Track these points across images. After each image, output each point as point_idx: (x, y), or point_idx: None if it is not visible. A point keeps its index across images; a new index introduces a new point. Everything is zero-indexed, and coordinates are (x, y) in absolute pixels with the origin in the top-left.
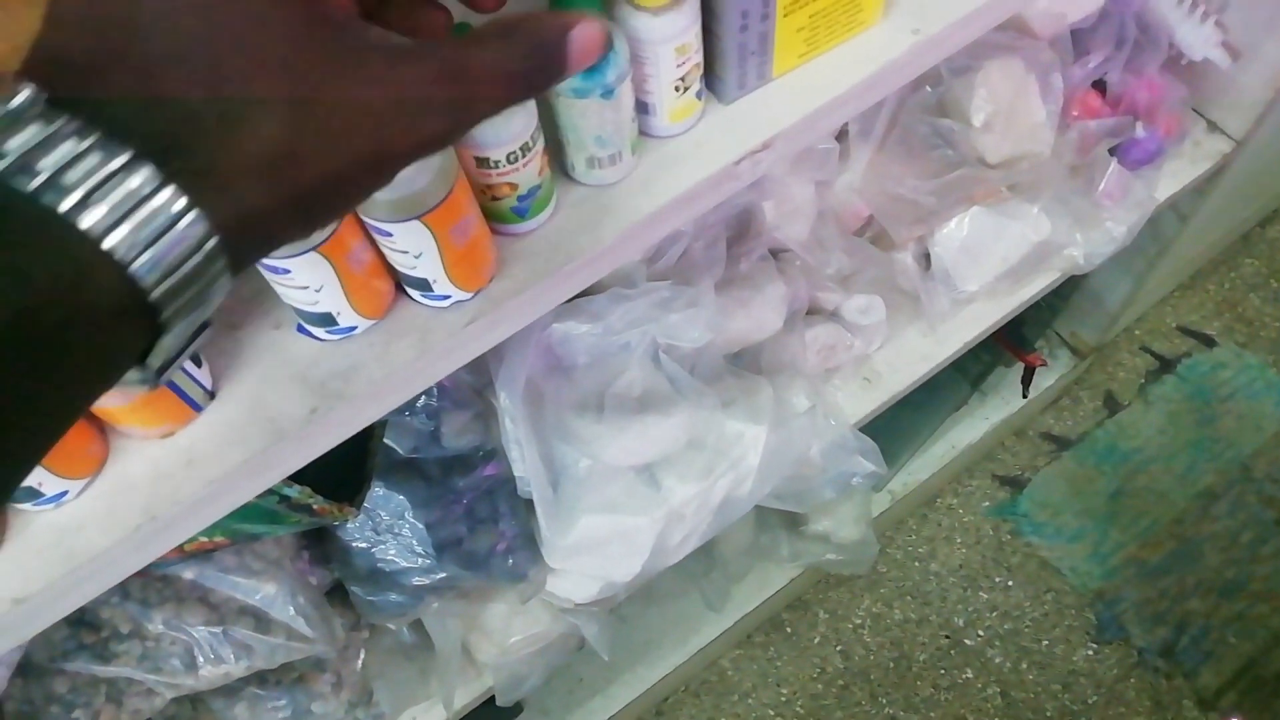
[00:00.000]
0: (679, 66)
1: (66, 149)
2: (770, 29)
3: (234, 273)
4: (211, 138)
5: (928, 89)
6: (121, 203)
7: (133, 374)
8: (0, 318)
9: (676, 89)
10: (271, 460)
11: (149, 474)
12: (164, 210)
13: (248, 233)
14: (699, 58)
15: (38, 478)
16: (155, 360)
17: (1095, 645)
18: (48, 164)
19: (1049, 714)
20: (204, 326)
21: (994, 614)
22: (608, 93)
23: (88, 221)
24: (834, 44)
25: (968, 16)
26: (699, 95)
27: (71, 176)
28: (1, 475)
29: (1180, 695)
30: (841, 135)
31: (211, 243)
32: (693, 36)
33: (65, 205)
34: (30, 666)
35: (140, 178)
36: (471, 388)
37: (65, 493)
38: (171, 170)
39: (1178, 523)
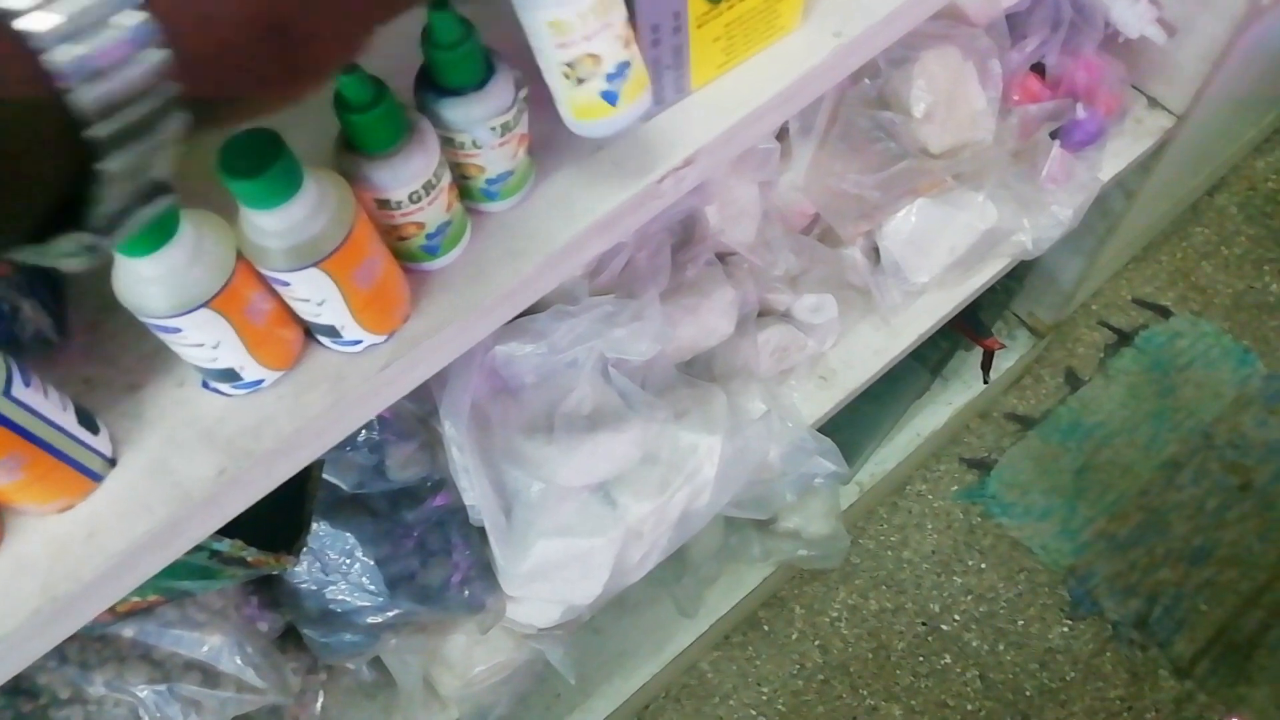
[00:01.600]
0: (560, 48)
1: None
2: (684, 41)
3: (199, 114)
4: None
5: (866, 81)
6: None
7: (72, 243)
8: None
9: (566, 75)
10: (180, 527)
11: (47, 552)
12: (103, 7)
13: (210, 56)
14: (598, 49)
15: None
16: (98, 210)
17: (1070, 622)
18: None
19: (1028, 693)
20: (161, 189)
21: (969, 598)
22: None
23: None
24: (754, 52)
25: (890, 16)
26: (610, 100)
27: None
28: None
29: (1156, 665)
30: (782, 134)
31: (160, 55)
32: (573, 16)
33: None
34: None
35: None
36: (415, 416)
37: None
38: None
39: (1144, 494)
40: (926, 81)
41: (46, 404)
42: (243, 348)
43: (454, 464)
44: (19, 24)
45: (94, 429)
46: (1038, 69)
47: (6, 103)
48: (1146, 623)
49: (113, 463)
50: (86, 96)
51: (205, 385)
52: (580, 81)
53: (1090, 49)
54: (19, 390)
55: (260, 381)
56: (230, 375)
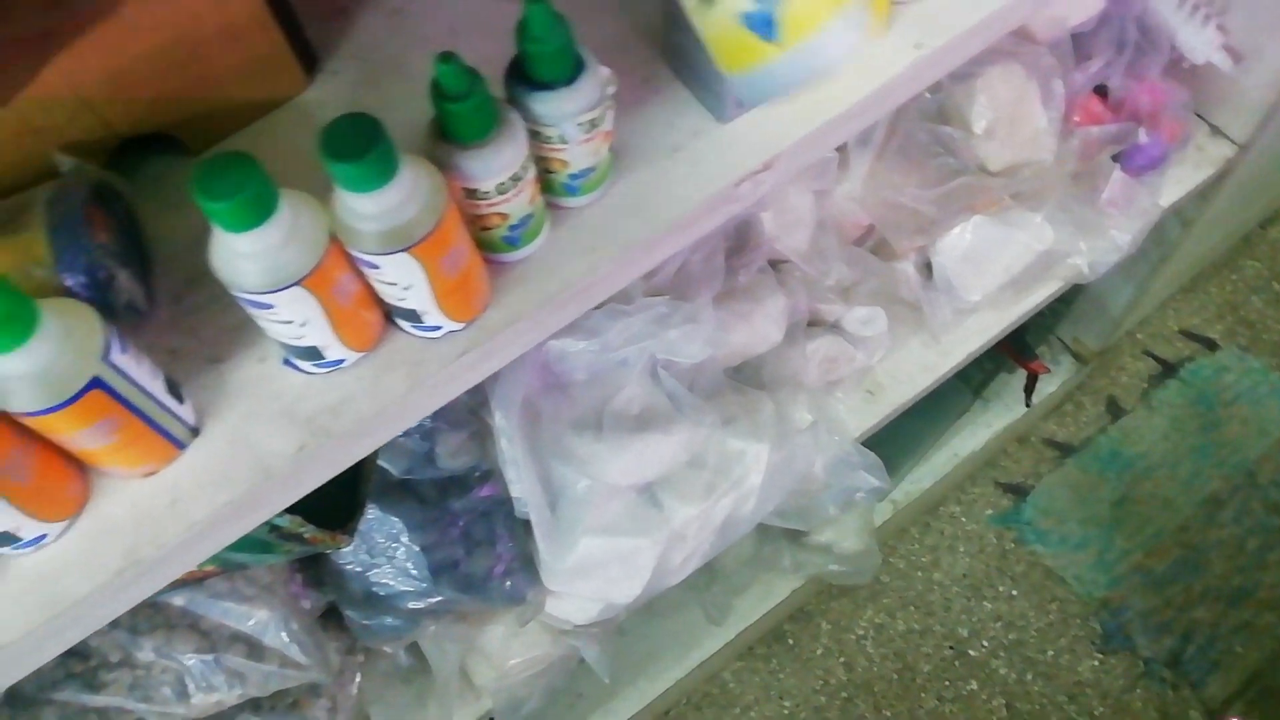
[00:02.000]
0: None
1: None
2: None
3: None
4: None
5: (927, 95)
6: None
7: None
8: None
9: None
10: (258, 500)
11: (131, 515)
12: None
13: None
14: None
15: (14, 521)
16: None
17: (1101, 655)
18: None
19: None
20: None
21: (998, 624)
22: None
23: None
24: None
25: (971, 30)
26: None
27: None
28: None
29: (1187, 706)
30: (840, 144)
31: None
32: None
33: None
34: (18, 696)
35: None
36: (467, 407)
37: (44, 536)
38: None
39: (1183, 530)
40: (989, 98)
41: (140, 371)
42: (329, 327)
43: (503, 455)
44: None
45: (180, 398)
46: (1100, 91)
47: None
48: (1180, 661)
49: (196, 432)
50: None
51: (286, 363)
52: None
53: (1155, 73)
54: (117, 356)
55: (341, 361)
56: (313, 353)
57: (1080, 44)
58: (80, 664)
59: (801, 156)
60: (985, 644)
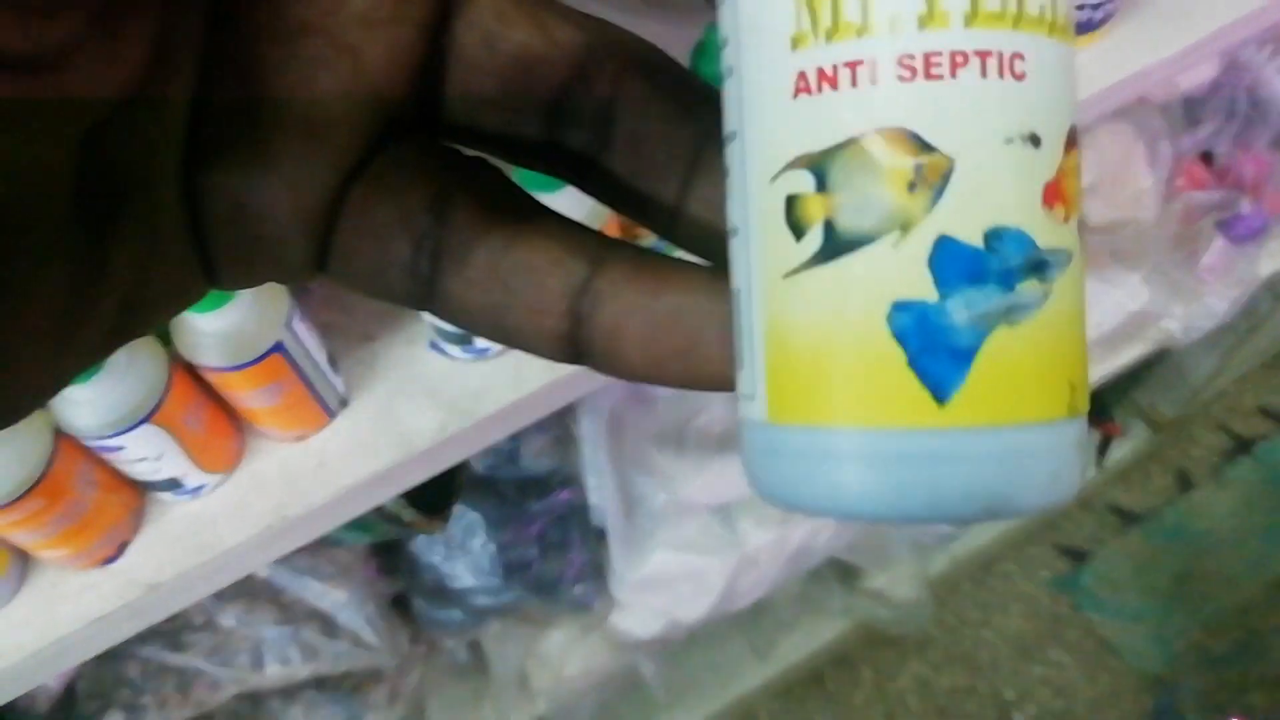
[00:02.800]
0: None
1: None
2: None
3: None
4: None
5: None
6: None
7: None
8: None
9: None
10: (398, 473)
11: (281, 475)
12: None
13: None
14: None
15: (182, 468)
16: None
17: None
18: None
19: None
20: None
21: (1047, 690)
22: None
23: None
24: None
25: (1112, 87)
26: None
27: None
28: None
29: None
30: None
31: None
32: None
33: None
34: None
35: None
36: (554, 411)
37: (204, 485)
38: None
39: (1245, 612)
40: (1096, 154)
41: (311, 340)
42: None
43: (584, 461)
44: None
45: (336, 370)
46: (1206, 157)
47: None
48: None
49: (345, 403)
50: None
51: (432, 346)
52: None
53: (1262, 144)
54: (297, 324)
55: (487, 350)
56: (463, 339)
57: (1190, 109)
58: (166, 623)
59: None
60: (1031, 709)
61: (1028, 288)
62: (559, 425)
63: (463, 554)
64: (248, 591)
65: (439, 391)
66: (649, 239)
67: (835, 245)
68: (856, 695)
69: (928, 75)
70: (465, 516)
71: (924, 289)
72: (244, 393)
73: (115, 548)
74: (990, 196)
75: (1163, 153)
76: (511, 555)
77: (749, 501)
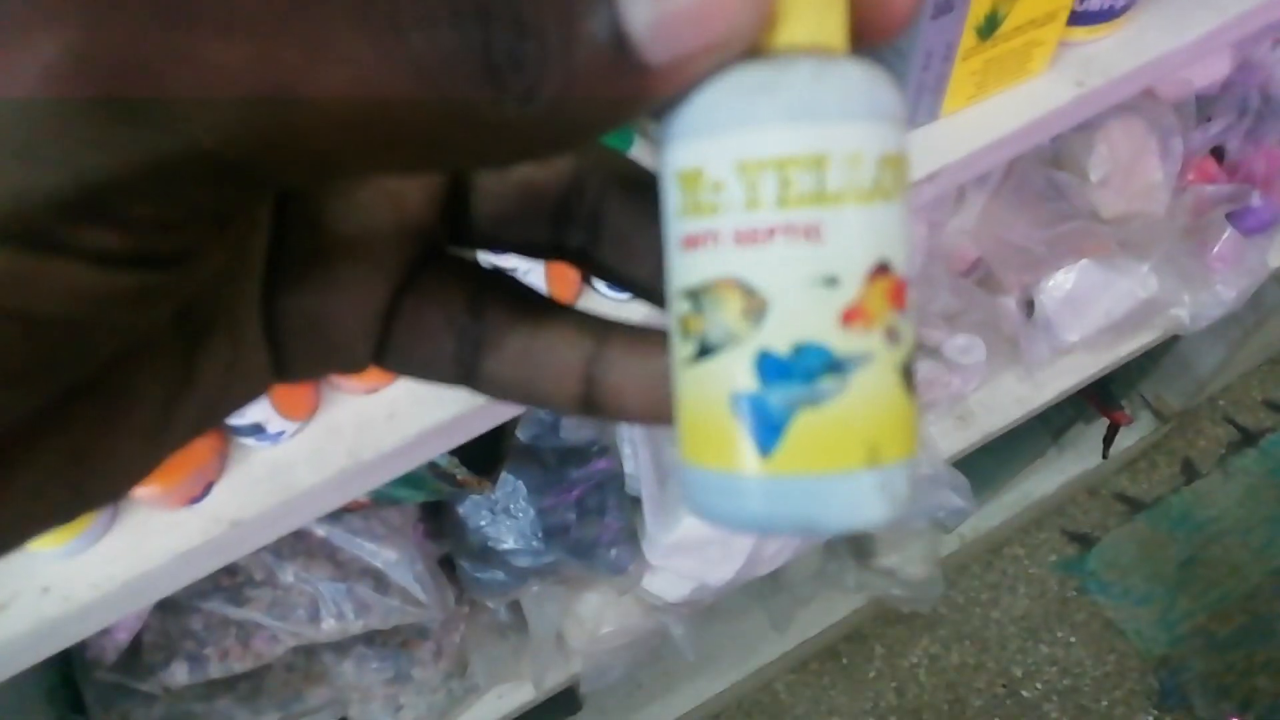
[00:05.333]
0: None
1: None
2: (948, 70)
3: None
4: None
5: (1046, 141)
6: None
7: None
8: None
9: None
10: (462, 423)
11: (354, 423)
12: None
13: None
14: None
15: (266, 415)
16: None
17: (1156, 711)
18: None
19: None
20: None
21: (1053, 668)
22: None
23: None
24: (1001, 89)
25: (1131, 73)
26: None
27: None
28: None
29: None
30: (980, 174)
31: None
32: None
33: None
34: (169, 602)
35: None
36: None
37: (284, 432)
38: None
39: (1250, 598)
40: (1108, 148)
41: None
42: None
43: (621, 432)
44: None
45: None
46: (1216, 154)
47: None
48: None
49: None
50: None
51: None
52: None
53: (1273, 140)
54: None
55: None
56: None
57: (1203, 106)
58: (229, 579)
59: (962, 173)
60: (1039, 686)
61: (825, 383)
62: None
63: (506, 517)
64: (305, 550)
65: None
66: None
67: (703, 350)
68: (869, 670)
69: (750, 242)
70: (509, 483)
71: (750, 383)
72: None
73: (202, 488)
74: (796, 321)
75: (1174, 148)
76: (551, 519)
77: None
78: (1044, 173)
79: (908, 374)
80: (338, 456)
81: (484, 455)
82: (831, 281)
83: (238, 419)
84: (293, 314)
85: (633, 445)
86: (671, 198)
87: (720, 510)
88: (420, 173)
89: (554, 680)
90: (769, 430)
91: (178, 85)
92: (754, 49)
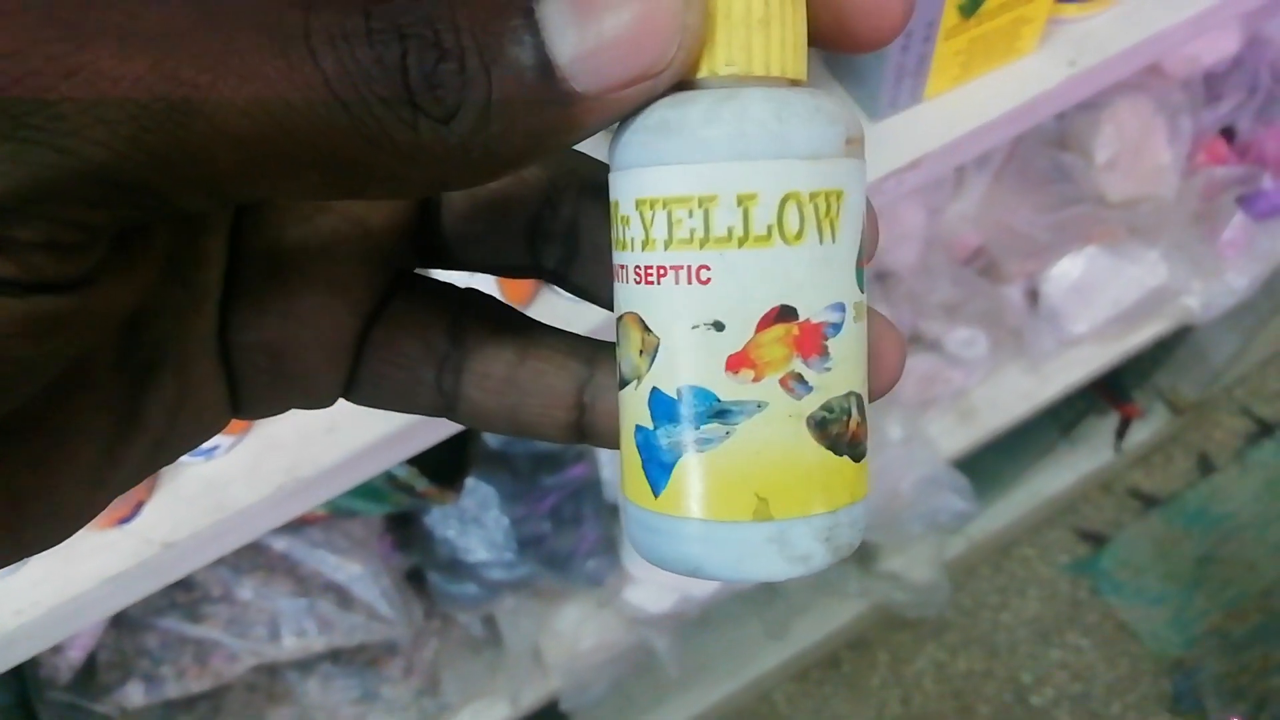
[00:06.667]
0: None
1: None
2: (930, 50)
3: None
4: None
5: (1051, 121)
6: None
7: None
8: None
9: None
10: (409, 435)
11: (293, 437)
12: None
13: None
14: None
15: None
16: None
17: (1169, 716)
18: None
19: None
20: None
21: (1064, 673)
22: None
23: None
24: (988, 70)
25: (1125, 52)
26: None
27: None
28: None
29: None
30: (970, 158)
31: None
32: None
33: None
34: (124, 619)
35: None
36: None
37: (218, 447)
38: None
39: (1266, 595)
40: (1114, 129)
41: None
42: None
43: None
44: None
45: None
46: (1227, 133)
47: None
48: None
49: None
50: None
51: None
52: None
53: None
54: None
55: None
56: None
57: (1212, 85)
58: (185, 595)
59: (948, 159)
60: (1049, 692)
61: (710, 428)
62: None
63: (477, 528)
64: (265, 564)
65: None
66: None
67: (621, 383)
68: (873, 678)
69: (645, 281)
70: (479, 491)
71: (646, 420)
72: None
73: (131, 507)
74: (681, 364)
75: (1183, 128)
76: (525, 529)
77: None
78: (1048, 154)
79: (823, 425)
80: (275, 473)
81: (447, 464)
82: (718, 326)
83: None
84: (252, 348)
85: (611, 450)
86: (609, 226)
87: (636, 542)
88: (333, 198)
89: (531, 698)
90: (659, 469)
91: (68, 93)
92: (687, 79)
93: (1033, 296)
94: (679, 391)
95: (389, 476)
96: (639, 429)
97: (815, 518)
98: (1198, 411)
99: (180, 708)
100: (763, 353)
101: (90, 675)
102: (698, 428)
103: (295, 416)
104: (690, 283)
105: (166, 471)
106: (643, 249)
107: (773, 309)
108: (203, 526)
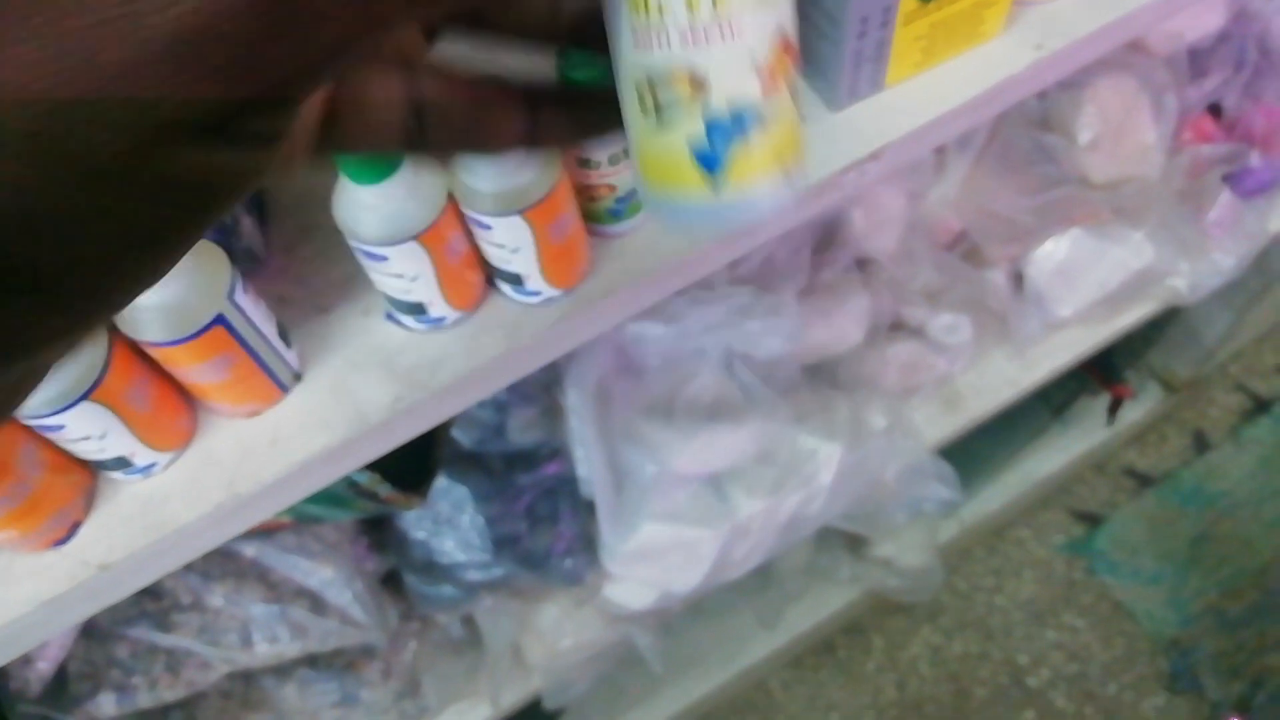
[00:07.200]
0: None
1: None
2: (889, 36)
3: None
4: None
5: (1033, 101)
6: None
7: None
8: None
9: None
10: (353, 447)
11: (233, 451)
12: None
13: None
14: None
15: (130, 447)
16: None
17: (1166, 695)
18: None
19: None
20: None
21: (1060, 654)
22: None
23: None
24: (951, 55)
25: (1094, 34)
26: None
27: None
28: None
29: None
30: (943, 143)
31: None
32: None
33: None
34: (94, 629)
35: None
36: (540, 383)
37: (154, 464)
38: None
39: (1262, 573)
40: (1097, 109)
41: (257, 313)
42: (436, 284)
43: (573, 434)
44: None
45: (288, 343)
46: (1214, 110)
47: None
48: (1249, 707)
49: (299, 377)
50: None
51: (388, 317)
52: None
53: (1272, 95)
54: (239, 296)
55: (443, 319)
56: (418, 309)
57: (1197, 61)
58: (154, 603)
59: (911, 149)
60: (1045, 673)
61: (754, 129)
62: (546, 398)
63: (451, 529)
64: (235, 570)
65: (394, 363)
66: (606, 201)
67: (662, 119)
68: (868, 663)
69: (694, 41)
70: (453, 491)
71: (701, 134)
72: (189, 367)
73: (67, 529)
74: (729, 91)
75: (1167, 106)
76: (500, 529)
77: (740, 471)
78: (1030, 135)
79: (795, 93)
80: (215, 489)
81: (412, 469)
82: (754, 64)
83: (99, 453)
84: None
85: (585, 447)
86: (623, 10)
87: (683, 221)
88: None
89: (512, 698)
90: (716, 161)
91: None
92: None
93: (1017, 280)
94: (731, 110)
95: (350, 483)
96: (695, 142)
97: (800, 159)
98: (1192, 389)
99: (154, 717)
100: (778, 69)
101: (61, 687)
102: (745, 128)
103: (234, 429)
104: (731, 35)
105: (103, 490)
106: (689, 13)
107: (779, 37)
108: (140, 547)
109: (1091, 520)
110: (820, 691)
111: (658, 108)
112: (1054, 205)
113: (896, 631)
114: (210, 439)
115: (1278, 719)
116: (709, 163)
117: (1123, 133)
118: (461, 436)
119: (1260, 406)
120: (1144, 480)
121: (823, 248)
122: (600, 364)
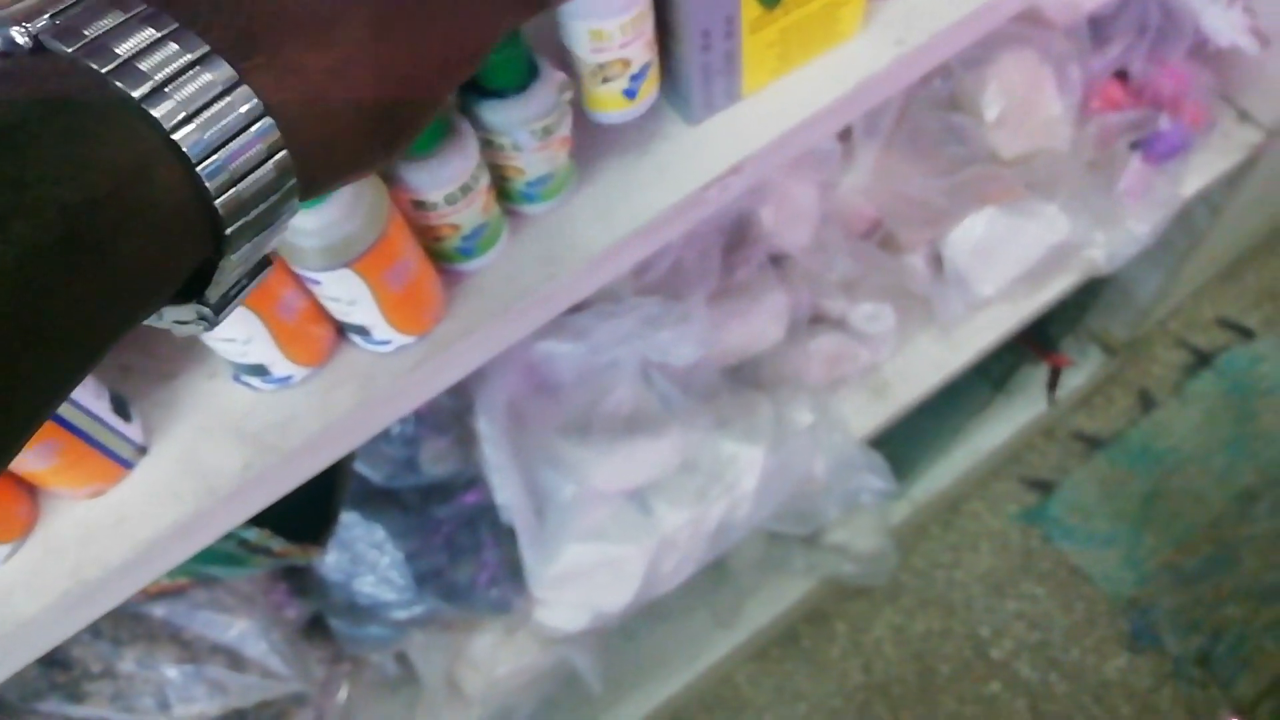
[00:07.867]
0: (595, 53)
1: (143, 36)
2: (736, 47)
3: (304, 196)
4: (291, 39)
5: (937, 83)
6: (193, 98)
7: (188, 312)
8: (55, 207)
9: (594, 75)
10: (205, 520)
11: (77, 535)
12: (236, 110)
13: (325, 148)
14: (630, 55)
15: None
16: (215, 291)
17: (1128, 655)
18: (124, 49)
19: None
20: (265, 264)
21: (1022, 623)
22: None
23: (159, 111)
24: (810, 58)
25: (955, 25)
26: (630, 96)
27: (146, 64)
28: (34, 390)
29: (1216, 704)
30: (846, 134)
31: (282, 155)
32: (614, 27)
33: (138, 92)
34: (2, 706)
35: (215, 74)
36: (450, 411)
37: None
38: (247, 69)
39: (1215, 525)
40: (1001, 85)
41: (82, 391)
42: (273, 344)
43: (488, 461)
44: (175, 135)
45: (127, 417)
46: (1121, 76)
47: (158, 206)
48: (1209, 660)
49: (144, 450)
50: (221, 198)
51: (236, 379)
52: (606, 80)
53: (1178, 57)
54: None
55: (289, 378)
56: (260, 370)
57: (1100, 28)
58: (63, 674)
59: (775, 158)
60: (1008, 644)
61: None
62: (458, 426)
63: (369, 569)
64: (146, 632)
65: (243, 427)
66: (518, 183)
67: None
68: (833, 649)
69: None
70: (369, 530)
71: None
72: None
73: None
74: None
75: (1071, 77)
76: (421, 564)
77: (663, 484)
78: (938, 116)
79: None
80: (59, 578)
81: (311, 514)
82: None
83: None
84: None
85: (501, 474)
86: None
87: (618, 120)
88: None
89: None
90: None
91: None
92: None
93: (936, 263)
94: None
95: (239, 540)
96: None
97: None
98: (1132, 349)
99: None
100: None
101: None
102: None
103: (78, 512)
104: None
105: None
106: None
107: None
108: None
109: (1043, 487)
110: (787, 682)
111: (605, 78)
112: (966, 185)
113: (859, 615)
114: (51, 525)
115: (1238, 670)
116: (631, 94)
117: (1028, 107)
118: (371, 473)
119: (1202, 360)
120: (1093, 443)
121: (734, 247)
122: (510, 386)
